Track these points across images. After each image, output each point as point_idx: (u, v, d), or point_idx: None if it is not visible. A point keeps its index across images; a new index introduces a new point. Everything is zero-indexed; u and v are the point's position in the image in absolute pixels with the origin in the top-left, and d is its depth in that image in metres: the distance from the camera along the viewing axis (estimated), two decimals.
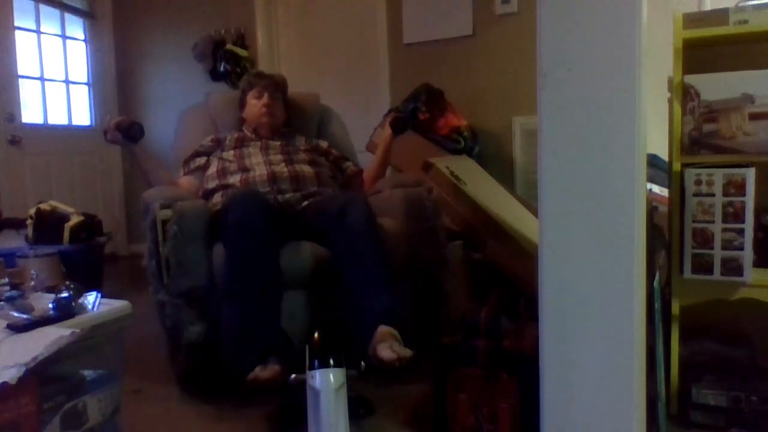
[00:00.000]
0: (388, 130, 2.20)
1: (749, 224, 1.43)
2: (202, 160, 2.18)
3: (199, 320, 1.77)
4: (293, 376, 1.35)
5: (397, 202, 2.08)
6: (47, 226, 2.85)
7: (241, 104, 2.31)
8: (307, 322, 1.78)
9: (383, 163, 2.29)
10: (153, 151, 2.13)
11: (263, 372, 1.47)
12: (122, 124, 1.92)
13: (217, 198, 2.03)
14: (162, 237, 1.76)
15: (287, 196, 1.99)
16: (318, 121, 2.53)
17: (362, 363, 1.37)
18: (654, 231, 1.68)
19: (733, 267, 1.45)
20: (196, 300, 1.76)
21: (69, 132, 4.37)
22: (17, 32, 3.91)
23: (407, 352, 1.46)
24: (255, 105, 2.24)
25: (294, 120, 2.41)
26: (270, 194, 1.98)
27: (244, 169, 2.06)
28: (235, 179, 2.04)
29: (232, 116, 2.38)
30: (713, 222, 1.46)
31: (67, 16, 4.39)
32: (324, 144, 2.33)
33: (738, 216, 1.43)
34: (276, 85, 2.29)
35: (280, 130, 2.28)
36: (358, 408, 1.61)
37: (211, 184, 2.08)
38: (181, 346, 1.80)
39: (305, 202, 2.00)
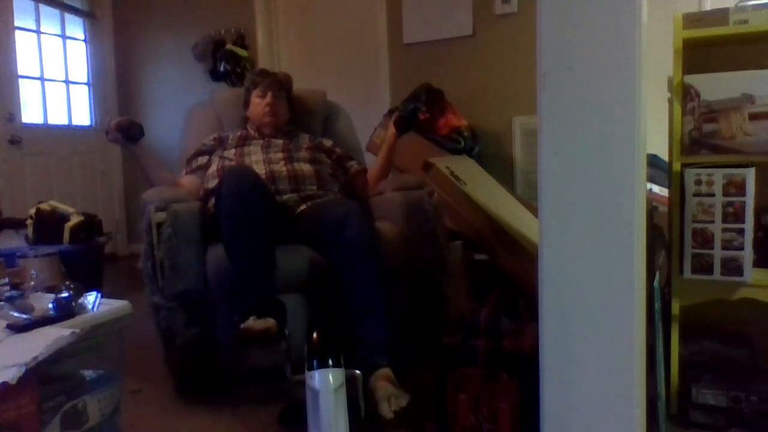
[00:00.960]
0: (392, 130, 2.18)
1: (749, 224, 1.43)
2: (204, 159, 2.18)
3: (193, 323, 1.77)
4: (291, 375, 1.35)
5: (398, 205, 2.08)
6: (47, 226, 2.85)
7: (245, 103, 2.31)
8: (306, 324, 1.78)
9: (387, 163, 2.27)
10: (154, 151, 2.13)
11: (256, 323, 1.51)
12: (122, 124, 1.92)
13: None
14: (157, 239, 1.76)
15: (285, 197, 1.99)
16: (324, 118, 2.51)
17: (362, 408, 1.41)
18: (654, 231, 1.68)
19: (733, 267, 1.45)
20: (191, 302, 1.76)
21: (69, 132, 4.37)
22: (17, 32, 3.91)
23: (403, 402, 1.47)
24: (258, 104, 2.23)
25: (300, 118, 2.40)
26: None
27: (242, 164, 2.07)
28: None
29: (238, 114, 2.37)
30: (713, 222, 1.46)
31: (67, 16, 4.39)
32: (328, 142, 2.32)
33: (738, 216, 1.43)
34: (279, 84, 2.29)
35: (283, 128, 2.27)
36: (357, 408, 1.61)
37: (212, 184, 2.07)
38: (176, 349, 1.80)
39: (303, 205, 1.99)
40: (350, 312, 1.66)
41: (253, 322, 1.52)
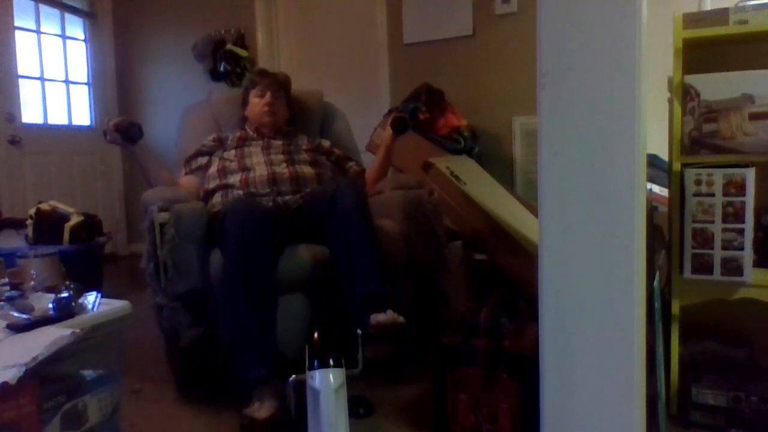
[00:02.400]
0: (389, 131, 2.19)
1: (749, 224, 1.43)
2: (203, 160, 2.18)
3: (196, 323, 1.77)
4: (293, 376, 1.35)
5: (397, 204, 2.08)
6: (47, 226, 2.85)
7: (244, 103, 2.30)
8: (307, 324, 1.78)
9: (385, 164, 2.28)
10: (154, 151, 2.12)
11: (260, 412, 1.49)
12: (121, 125, 1.91)
13: (217, 198, 2.03)
14: (159, 240, 1.76)
15: (287, 198, 1.99)
16: (321, 119, 2.52)
17: (358, 331, 1.41)
18: (654, 231, 1.68)
19: (733, 267, 1.45)
20: (193, 302, 1.76)
21: (69, 132, 4.37)
22: (17, 32, 3.91)
23: (399, 318, 1.54)
24: (257, 104, 2.23)
25: (297, 118, 2.40)
26: (270, 195, 1.98)
27: (245, 169, 2.06)
28: (235, 179, 2.03)
29: (235, 115, 2.37)
30: (713, 222, 1.46)
31: (67, 16, 4.39)
32: (326, 143, 2.32)
33: (738, 216, 1.43)
34: (279, 84, 2.28)
35: (282, 129, 2.27)
36: (358, 408, 1.61)
37: (212, 184, 2.07)
38: (179, 349, 1.80)
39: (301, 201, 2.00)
40: (346, 266, 1.71)
41: (257, 411, 1.49)
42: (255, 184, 2.00)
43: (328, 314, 1.79)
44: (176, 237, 1.74)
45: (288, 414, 1.41)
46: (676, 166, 1.54)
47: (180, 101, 4.27)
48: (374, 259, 1.71)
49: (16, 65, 3.87)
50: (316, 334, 1.36)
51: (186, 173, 2.17)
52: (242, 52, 4.12)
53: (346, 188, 1.81)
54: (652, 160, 2.26)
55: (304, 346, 1.34)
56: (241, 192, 1.99)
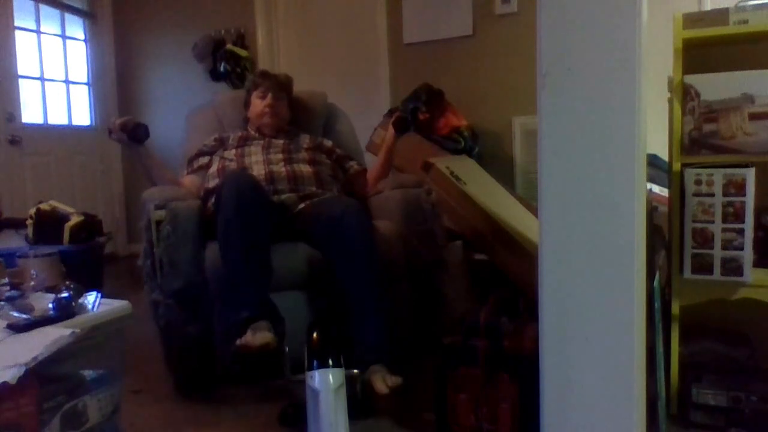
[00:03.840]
0: (391, 131, 2.19)
1: (749, 224, 1.43)
2: (205, 160, 2.19)
3: (191, 320, 1.77)
4: (291, 375, 1.35)
5: (396, 204, 2.08)
6: (47, 226, 2.85)
7: (246, 104, 2.32)
8: (306, 323, 1.78)
9: (386, 164, 2.28)
10: (154, 150, 2.13)
11: (254, 338, 1.47)
12: (127, 125, 1.92)
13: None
14: (156, 237, 1.77)
15: (284, 197, 1.99)
16: (324, 119, 2.53)
17: (358, 396, 1.42)
18: (654, 231, 1.68)
19: (733, 267, 1.45)
20: (189, 299, 1.76)
21: (69, 132, 4.37)
22: (17, 32, 3.91)
23: (398, 381, 1.50)
24: (259, 105, 2.24)
25: (300, 119, 2.40)
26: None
27: (243, 168, 2.06)
28: None
29: (238, 116, 2.38)
30: (713, 222, 1.46)
31: (67, 16, 4.39)
32: (328, 143, 2.33)
33: (738, 216, 1.43)
34: (280, 85, 2.29)
35: (284, 129, 2.28)
36: (357, 408, 1.62)
37: (212, 183, 2.08)
38: (175, 346, 1.80)
39: (302, 204, 1.99)
40: (347, 311, 1.67)
41: (250, 338, 1.49)
42: None
43: (326, 313, 1.79)
44: (172, 235, 1.75)
45: (281, 348, 1.45)
46: (676, 166, 1.54)
47: (180, 101, 4.28)
48: (374, 311, 1.66)
49: (16, 65, 3.87)
50: (315, 335, 1.36)
51: (188, 173, 2.19)
52: (242, 52, 4.12)
53: (354, 217, 1.74)
54: (652, 160, 2.27)
55: (303, 343, 1.34)
56: None
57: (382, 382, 1.49)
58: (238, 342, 1.49)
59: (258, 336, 1.49)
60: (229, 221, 1.68)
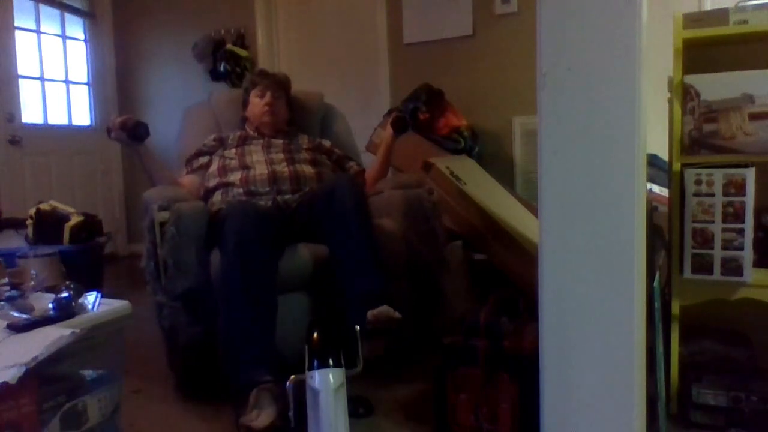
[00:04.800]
0: (389, 131, 2.19)
1: (749, 224, 1.43)
2: (204, 159, 2.18)
3: (196, 322, 1.76)
4: (292, 377, 1.34)
5: (397, 203, 2.08)
6: (47, 226, 2.84)
7: (244, 103, 2.31)
8: (307, 324, 1.78)
9: (385, 164, 2.28)
10: (154, 150, 2.12)
11: (258, 421, 1.43)
12: (127, 124, 1.91)
13: (217, 196, 2.03)
14: (160, 238, 1.76)
15: (286, 197, 2.00)
16: (321, 119, 2.52)
17: (357, 328, 1.40)
18: (654, 231, 1.68)
19: (733, 267, 1.45)
20: (193, 301, 1.76)
21: (69, 132, 4.37)
22: (17, 32, 3.91)
23: (395, 313, 1.55)
24: (257, 104, 2.24)
25: (297, 118, 2.40)
26: (270, 194, 1.98)
27: (245, 167, 2.06)
28: (235, 177, 2.04)
29: (236, 115, 2.37)
30: (713, 222, 1.46)
31: (67, 16, 4.39)
32: (327, 143, 2.33)
33: (738, 216, 1.43)
34: (279, 84, 2.29)
35: (282, 128, 2.28)
36: (357, 408, 1.61)
37: (212, 183, 2.08)
38: (178, 348, 1.79)
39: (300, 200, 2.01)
40: (343, 264, 1.72)
41: (255, 419, 1.43)
42: (255, 183, 2.01)
43: (328, 313, 1.79)
44: (176, 236, 1.74)
45: (287, 420, 1.37)
46: (676, 166, 1.54)
47: (180, 101, 4.26)
48: (370, 256, 1.72)
49: (16, 65, 3.87)
50: (315, 334, 1.36)
51: (187, 173, 2.18)
52: (242, 52, 4.12)
53: (344, 185, 1.82)
54: (652, 160, 2.27)
55: (305, 345, 1.34)
56: (241, 190, 2.00)
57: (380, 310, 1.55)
58: (243, 421, 1.44)
59: (262, 417, 1.43)
60: (232, 267, 1.64)
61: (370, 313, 1.57)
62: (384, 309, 1.58)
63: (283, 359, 1.58)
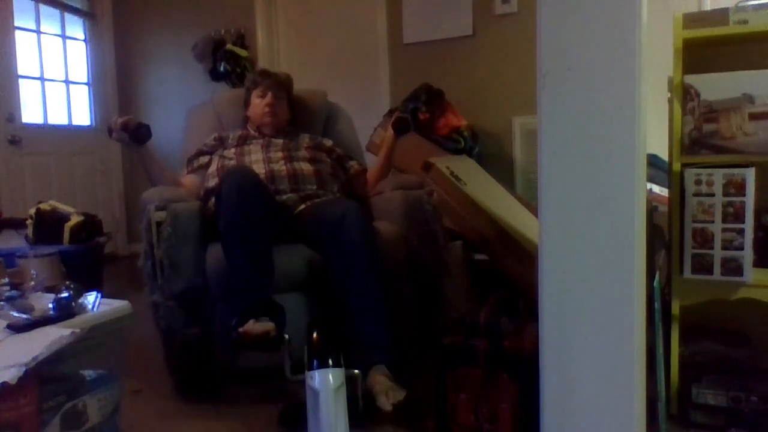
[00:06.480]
0: (390, 132, 2.19)
1: (749, 224, 1.43)
2: (205, 159, 2.19)
3: (193, 322, 1.77)
4: (291, 375, 1.35)
5: (397, 205, 2.08)
6: (47, 226, 2.84)
7: (246, 103, 2.32)
8: (306, 324, 1.78)
9: (386, 164, 2.28)
10: (154, 150, 2.13)
11: (255, 326, 1.49)
12: (129, 125, 1.91)
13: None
14: (156, 238, 1.76)
15: (284, 197, 1.99)
16: (325, 119, 2.52)
17: (360, 403, 1.40)
18: (654, 231, 1.68)
19: (733, 267, 1.45)
20: (190, 301, 1.76)
21: (69, 132, 4.37)
22: (17, 32, 3.90)
23: (401, 396, 1.49)
24: (258, 104, 2.24)
25: (300, 118, 2.40)
26: None
27: (244, 165, 2.07)
28: None
29: (237, 115, 2.38)
30: (713, 222, 1.46)
31: (67, 16, 4.39)
32: (328, 142, 2.33)
33: (738, 216, 1.43)
34: (280, 84, 2.29)
35: (283, 128, 2.28)
36: (357, 408, 1.61)
37: (211, 182, 2.08)
38: (175, 348, 1.80)
39: (302, 205, 1.99)
40: (348, 311, 1.67)
41: (251, 326, 1.51)
42: None
43: (326, 314, 1.79)
44: (172, 236, 1.75)
45: (282, 338, 1.45)
46: (676, 166, 1.54)
47: (180, 101, 4.28)
48: (378, 302, 1.67)
49: (16, 65, 3.87)
50: (315, 335, 1.36)
51: (188, 172, 2.19)
52: (242, 52, 4.12)
53: (354, 220, 1.73)
54: (652, 160, 2.27)
55: (304, 345, 1.34)
56: None
57: (386, 399, 1.48)
58: (239, 329, 1.51)
59: (259, 325, 1.51)
60: (231, 217, 1.68)
61: (376, 381, 1.53)
62: (387, 384, 1.52)
63: (281, 310, 1.62)
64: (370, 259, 1.70)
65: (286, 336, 1.47)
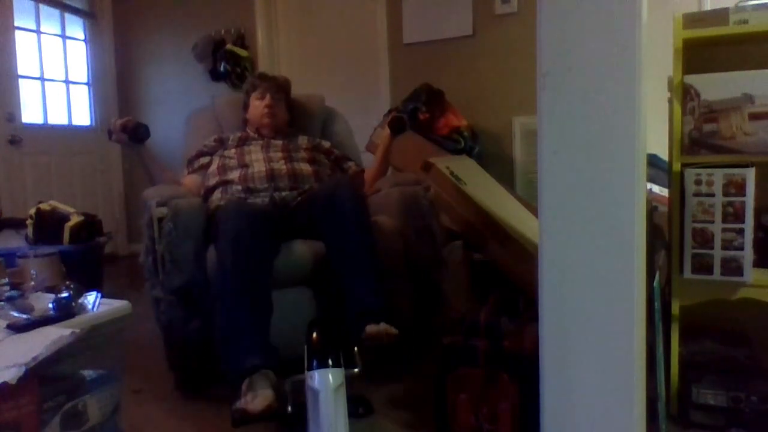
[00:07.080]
0: (386, 131, 2.21)
1: (749, 224, 1.43)
2: (205, 160, 2.20)
3: (193, 317, 1.77)
4: (292, 377, 1.34)
5: (394, 201, 2.09)
6: (47, 226, 2.84)
7: (245, 105, 2.33)
8: (308, 319, 1.78)
9: (383, 164, 2.30)
10: (154, 151, 2.13)
11: (254, 403, 1.36)
12: (128, 126, 1.93)
13: (217, 194, 2.05)
14: (158, 234, 1.77)
15: (284, 194, 2.01)
16: (322, 121, 2.54)
17: (355, 348, 1.40)
18: (654, 231, 1.68)
19: (733, 267, 1.45)
20: (191, 297, 1.76)
21: (69, 132, 4.37)
22: (17, 32, 3.90)
23: (392, 330, 1.52)
24: (257, 106, 2.25)
25: (298, 121, 2.42)
26: (267, 191, 2.00)
27: (243, 165, 2.08)
28: (234, 175, 2.05)
29: (237, 118, 2.40)
30: (713, 222, 1.46)
31: (67, 16, 4.39)
32: (326, 144, 2.35)
33: (738, 216, 1.43)
34: (278, 87, 2.31)
35: (282, 130, 2.29)
36: (357, 408, 1.61)
37: (212, 181, 2.09)
38: (176, 343, 1.80)
39: (299, 198, 2.02)
40: (342, 273, 1.70)
41: (251, 402, 1.37)
42: (253, 180, 2.02)
43: (328, 312, 1.79)
44: (174, 232, 1.75)
45: (284, 408, 1.34)
46: (676, 166, 1.54)
47: (180, 101, 4.28)
48: (369, 273, 1.70)
49: (16, 65, 3.87)
50: (315, 334, 1.36)
51: (188, 173, 2.21)
52: (242, 52, 4.12)
53: (345, 189, 1.81)
54: (652, 160, 2.26)
55: (305, 345, 1.34)
56: (239, 187, 2.01)
57: (375, 325, 1.52)
58: (237, 405, 1.39)
59: (258, 399, 1.37)
60: (226, 263, 1.63)
61: (368, 328, 1.54)
62: (383, 327, 1.54)
63: (281, 354, 1.56)
64: (362, 226, 1.75)
65: (289, 408, 1.35)
